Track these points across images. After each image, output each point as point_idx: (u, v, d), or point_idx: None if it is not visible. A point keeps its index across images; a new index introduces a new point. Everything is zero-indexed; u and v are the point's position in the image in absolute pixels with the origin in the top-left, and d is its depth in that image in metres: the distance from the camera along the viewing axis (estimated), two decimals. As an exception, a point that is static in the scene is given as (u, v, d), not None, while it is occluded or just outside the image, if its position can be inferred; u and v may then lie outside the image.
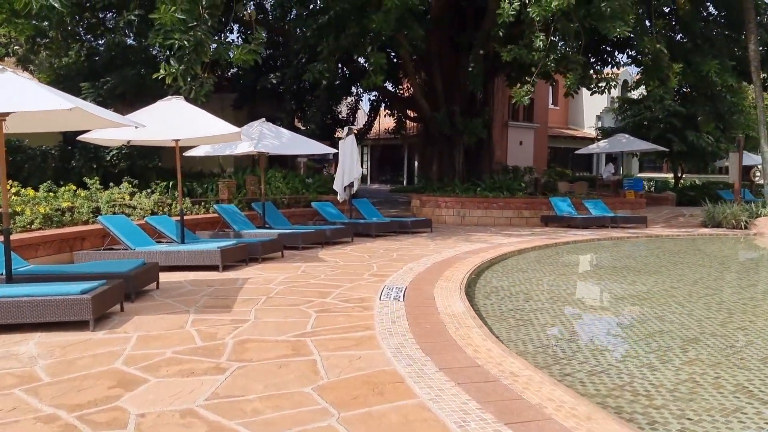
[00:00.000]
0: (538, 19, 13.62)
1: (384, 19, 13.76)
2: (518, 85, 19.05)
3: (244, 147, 11.10)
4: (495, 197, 17.27)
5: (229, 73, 24.99)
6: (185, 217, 10.16)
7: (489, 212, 16.81)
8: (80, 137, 8.61)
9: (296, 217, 13.94)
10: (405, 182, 32.99)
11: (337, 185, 13.81)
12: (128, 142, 9.10)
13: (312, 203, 13.79)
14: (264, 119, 11.90)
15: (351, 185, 14.05)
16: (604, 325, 5.90)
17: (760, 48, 16.14)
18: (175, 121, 8.47)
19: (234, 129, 8.64)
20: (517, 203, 16.93)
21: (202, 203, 12.60)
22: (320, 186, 17.83)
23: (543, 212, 16.76)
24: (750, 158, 25.80)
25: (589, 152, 22.33)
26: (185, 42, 10.94)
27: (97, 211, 10.32)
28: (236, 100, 22.89)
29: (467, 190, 18.98)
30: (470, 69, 18.48)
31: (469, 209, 16.89)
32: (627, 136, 20.40)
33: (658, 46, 15.27)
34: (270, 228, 11.47)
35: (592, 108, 36.84)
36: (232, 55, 12.42)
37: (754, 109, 29.09)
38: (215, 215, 11.39)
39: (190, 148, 11.29)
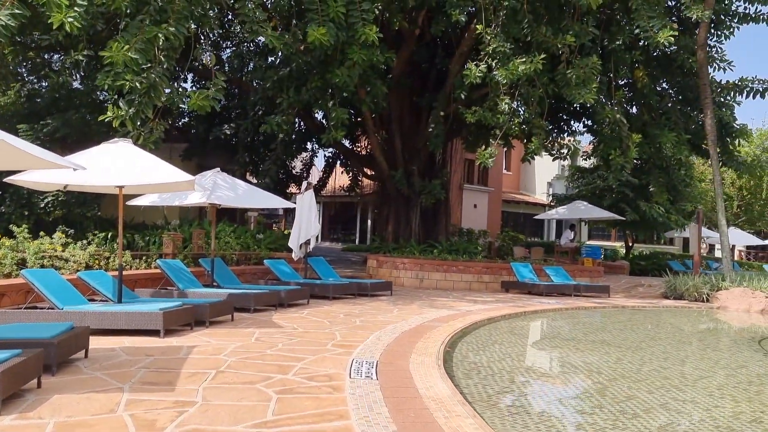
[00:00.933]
0: (504, 82, 13.49)
1: (347, 74, 13.34)
2: (483, 146, 18.90)
3: (195, 198, 10.22)
4: (454, 260, 16.73)
5: (180, 123, 24.15)
6: (124, 273, 9.14)
7: (448, 276, 16.21)
8: (8, 178, 7.60)
9: (247, 276, 12.98)
10: (357, 241, 32.29)
11: (293, 242, 12.97)
12: (65, 186, 8.09)
13: (265, 261, 12.86)
14: (218, 169, 11.08)
15: (307, 243, 13.25)
16: (607, 412, 5.22)
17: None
18: (120, 165, 7.57)
19: (187, 177, 7.80)
20: (477, 267, 16.41)
21: (144, 257, 11.53)
22: (272, 242, 16.92)
23: (503, 277, 16.29)
24: (704, 230, 26.32)
25: (549, 218, 22.26)
26: (137, 84, 10.14)
27: (22, 264, 9.16)
28: (186, 150, 22.01)
29: (424, 252, 18.42)
30: (430, 129, 18.26)
31: (427, 272, 16.26)
32: (585, 203, 20.42)
33: (618, 116, 15.37)
34: (219, 287, 10.50)
35: (543, 175, 37.45)
36: (187, 102, 11.64)
37: (701, 182, 30.07)
38: (157, 271, 10.33)
39: (135, 196, 10.32)
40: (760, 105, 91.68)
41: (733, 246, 32.66)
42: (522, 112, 15.78)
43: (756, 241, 28.42)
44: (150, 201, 10.37)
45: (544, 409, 5.29)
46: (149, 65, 10.40)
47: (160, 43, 10.31)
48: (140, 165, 7.71)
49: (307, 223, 12.99)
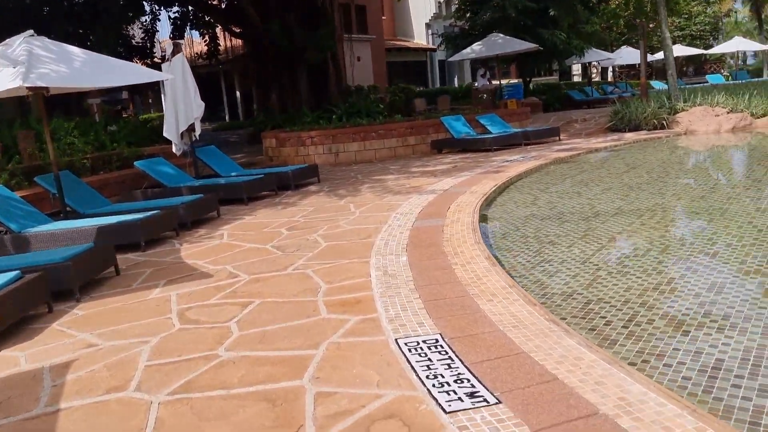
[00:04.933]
0: None
1: None
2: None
3: (3, 81, 6.15)
4: (370, 125, 13.67)
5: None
6: None
7: (368, 144, 13.21)
8: None
9: (112, 188, 9.21)
10: (227, 117, 27.86)
11: (170, 131, 9.25)
12: None
13: (135, 163, 9.03)
14: (32, 32, 6.87)
15: (191, 129, 9.55)
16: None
17: None
18: None
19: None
20: (399, 129, 13.50)
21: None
22: (130, 134, 12.83)
23: (430, 137, 13.58)
24: (598, 54, 24.86)
25: (464, 58, 19.38)
26: None
27: None
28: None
29: (320, 120, 15.12)
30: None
31: (343, 143, 13.13)
32: (501, 35, 17.69)
33: None
34: (77, 215, 6.84)
35: (419, 16, 34.08)
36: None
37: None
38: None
39: None
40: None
41: (616, 66, 32.09)
42: None
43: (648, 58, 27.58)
44: None
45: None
46: None
47: None
48: None
49: (185, 100, 9.22)
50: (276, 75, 18.15)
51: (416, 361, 2.95)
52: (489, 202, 7.01)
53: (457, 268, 4.34)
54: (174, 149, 9.42)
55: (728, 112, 12.11)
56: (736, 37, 32.65)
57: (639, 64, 32.71)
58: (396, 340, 3.22)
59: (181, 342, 3.54)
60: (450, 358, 2.96)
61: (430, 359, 2.96)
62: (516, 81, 23.69)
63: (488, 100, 18.62)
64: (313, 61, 17.43)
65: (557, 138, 12.71)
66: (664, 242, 5.02)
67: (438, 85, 33.55)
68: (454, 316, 3.47)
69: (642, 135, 12.08)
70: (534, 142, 12.44)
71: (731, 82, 25.56)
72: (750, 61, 52.50)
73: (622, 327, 3.42)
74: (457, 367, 2.84)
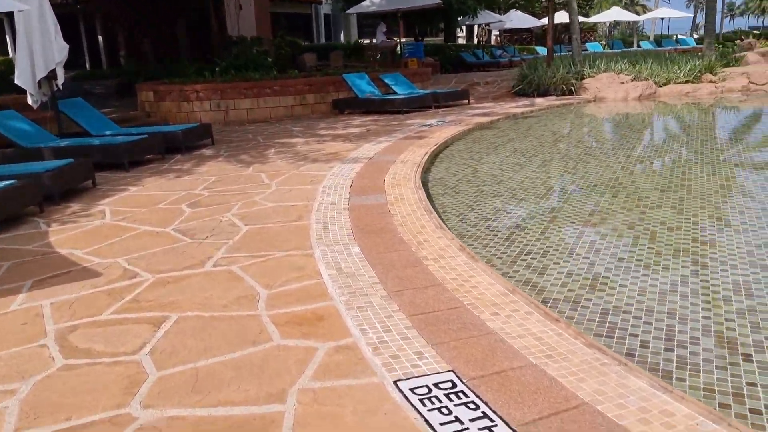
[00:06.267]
0: None
1: None
2: None
3: None
4: (264, 80, 12.31)
5: None
6: None
7: (261, 102, 11.90)
8: None
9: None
10: (88, 66, 24.67)
11: (24, 78, 7.50)
12: None
13: (-22, 117, 7.21)
14: None
15: (51, 77, 7.82)
16: None
17: None
18: None
19: None
20: (297, 86, 12.29)
21: None
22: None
23: (331, 95, 12.53)
24: (490, 16, 24.63)
25: (362, 11, 18.05)
26: None
27: None
28: None
29: (199, 73, 13.47)
30: None
31: (233, 99, 11.72)
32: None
33: None
34: None
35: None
36: None
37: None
38: None
39: None
40: None
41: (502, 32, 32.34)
42: None
43: (536, 23, 27.87)
44: None
45: None
46: None
47: None
48: None
49: (44, 41, 7.47)
50: (150, 18, 16.06)
51: (440, 423, 2.06)
52: (424, 174, 6.17)
53: (430, 264, 3.48)
54: (29, 100, 7.67)
55: (632, 80, 12.13)
56: (614, 7, 33.99)
57: (524, 29, 33.24)
58: (396, 383, 2.31)
59: (68, 391, 2.40)
60: (485, 414, 2.10)
61: (458, 418, 2.09)
62: (412, 40, 22.92)
63: (386, 59, 17.68)
64: (193, 5, 15.56)
65: (467, 101, 12.11)
66: (674, 225, 4.47)
67: (323, 40, 32.02)
68: (460, 340, 2.61)
69: (553, 101, 11.77)
70: (444, 105, 11.76)
71: (609, 51, 26.47)
72: (613, 31, 55.69)
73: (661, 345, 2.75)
74: (504, 433, 1.99)
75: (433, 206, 4.79)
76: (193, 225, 4.59)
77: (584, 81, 12.33)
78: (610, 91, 11.77)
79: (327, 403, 2.21)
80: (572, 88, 12.30)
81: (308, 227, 4.31)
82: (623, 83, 11.92)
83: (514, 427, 2.01)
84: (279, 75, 13.22)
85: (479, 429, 2.02)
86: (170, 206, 5.21)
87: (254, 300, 3.15)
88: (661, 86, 12.06)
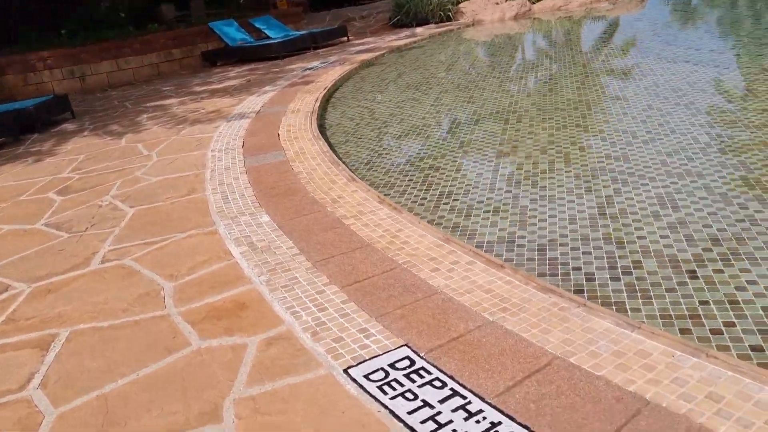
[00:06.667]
0: None
1: None
2: None
3: None
4: (122, 39, 11.15)
5: None
6: None
7: (122, 63, 10.82)
8: None
9: None
10: None
11: None
12: None
13: None
14: None
15: None
16: None
17: None
18: None
19: None
20: (160, 41, 11.27)
21: None
22: None
23: (199, 47, 11.62)
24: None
25: None
26: None
27: None
28: None
29: (43, 39, 11.97)
30: None
31: (89, 64, 10.55)
32: None
33: None
34: None
35: None
36: None
37: None
38: None
39: None
40: None
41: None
42: None
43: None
44: None
45: None
46: None
47: None
48: None
49: None
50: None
51: (407, 412, 1.81)
52: (320, 122, 5.77)
53: (352, 223, 3.17)
54: None
55: (506, 0, 12.11)
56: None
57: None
58: (346, 371, 2.02)
59: (-59, 457, 1.92)
60: (455, 392, 1.86)
61: (426, 402, 1.84)
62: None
63: (252, 1, 16.60)
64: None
65: (346, 39, 11.61)
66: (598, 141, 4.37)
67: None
68: (405, 307, 2.35)
69: (433, 29, 11.52)
70: (323, 45, 11.20)
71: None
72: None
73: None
74: (482, 411, 1.77)
75: (338, 157, 4.44)
76: (68, 216, 3.98)
77: (460, 5, 12.16)
78: (487, 12, 11.69)
79: (271, 411, 1.89)
80: (450, 14, 12.10)
81: (205, 200, 3.84)
82: (498, 3, 11.87)
83: (490, 400, 1.80)
84: (137, 31, 12.03)
85: (452, 410, 1.79)
86: (35, 196, 4.51)
87: (159, 297, 2.72)
88: (534, 3, 12.13)
